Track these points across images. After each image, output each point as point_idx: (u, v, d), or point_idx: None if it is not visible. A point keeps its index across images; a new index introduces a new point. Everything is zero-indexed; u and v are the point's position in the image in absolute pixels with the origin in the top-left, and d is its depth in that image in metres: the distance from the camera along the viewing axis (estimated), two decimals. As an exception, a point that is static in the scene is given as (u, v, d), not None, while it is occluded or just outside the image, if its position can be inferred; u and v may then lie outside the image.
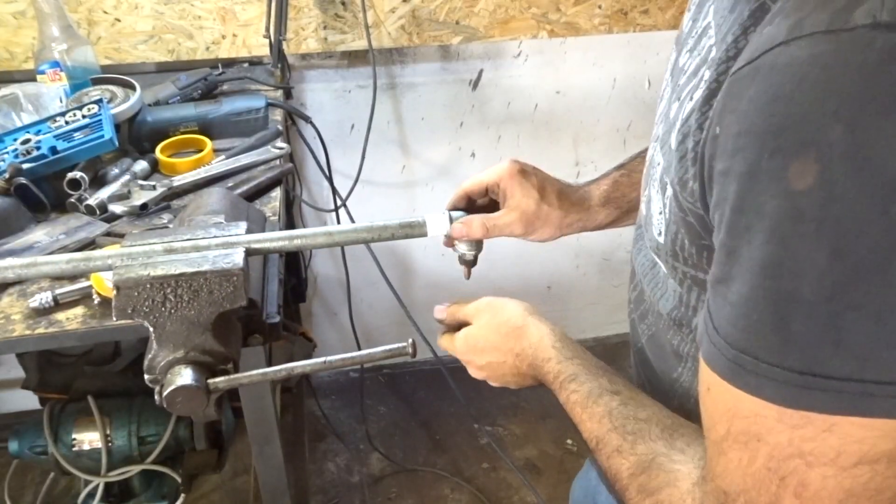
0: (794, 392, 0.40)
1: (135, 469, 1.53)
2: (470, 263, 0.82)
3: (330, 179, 1.63)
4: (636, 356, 0.74)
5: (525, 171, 0.83)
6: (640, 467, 0.55)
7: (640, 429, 0.58)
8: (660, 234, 0.57)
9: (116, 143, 1.09)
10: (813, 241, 0.38)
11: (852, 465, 0.40)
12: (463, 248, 0.80)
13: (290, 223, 1.70)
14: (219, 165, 1.16)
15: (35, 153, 1.06)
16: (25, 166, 1.04)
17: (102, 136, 1.07)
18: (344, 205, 1.65)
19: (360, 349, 1.90)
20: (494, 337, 0.74)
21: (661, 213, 0.56)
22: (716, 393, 0.45)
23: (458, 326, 0.79)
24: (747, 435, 0.43)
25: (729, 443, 0.45)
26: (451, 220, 0.76)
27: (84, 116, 1.12)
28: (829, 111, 0.37)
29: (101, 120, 1.10)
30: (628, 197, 0.86)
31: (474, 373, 0.78)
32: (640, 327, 0.70)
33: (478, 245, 0.80)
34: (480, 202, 0.86)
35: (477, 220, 0.79)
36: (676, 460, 0.54)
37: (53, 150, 1.07)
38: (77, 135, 1.09)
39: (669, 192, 0.53)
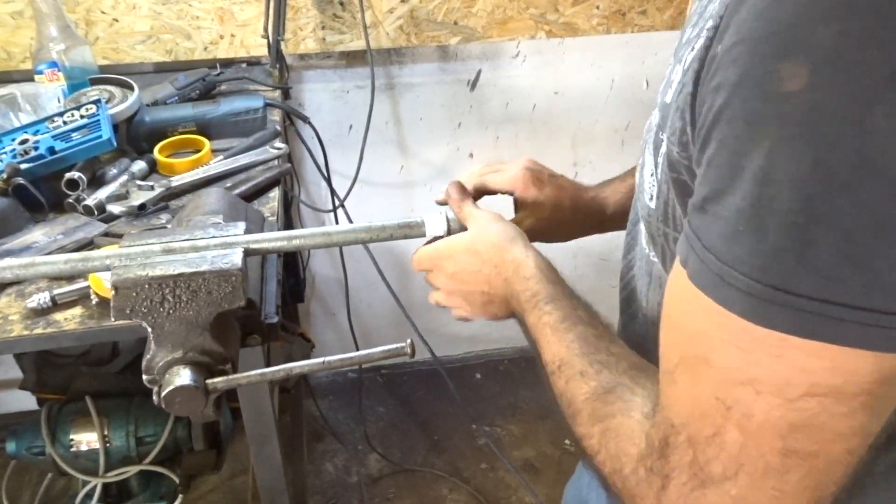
0: (754, 304, 0.39)
1: (133, 469, 1.52)
2: None
3: (328, 180, 1.63)
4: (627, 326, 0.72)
5: (540, 180, 0.82)
6: (597, 393, 0.54)
7: (609, 361, 0.56)
8: (651, 198, 0.55)
9: (115, 144, 1.09)
10: (795, 146, 0.37)
11: (798, 397, 0.39)
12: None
13: (288, 223, 1.70)
14: (217, 166, 1.16)
15: (33, 153, 1.06)
16: (23, 166, 1.04)
17: (100, 137, 1.07)
18: (342, 205, 1.65)
19: (358, 349, 1.90)
20: (480, 243, 0.70)
21: (652, 174, 0.55)
22: (676, 317, 0.45)
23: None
24: (698, 359, 0.43)
25: (680, 370, 0.44)
26: (448, 220, 0.76)
27: (82, 117, 1.12)
28: (820, 12, 0.36)
29: (99, 120, 1.10)
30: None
31: (442, 282, 0.74)
32: (633, 325, 0.69)
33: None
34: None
35: None
36: (637, 393, 0.52)
37: (51, 150, 1.07)
38: (75, 135, 1.09)
39: (663, 148, 0.51)
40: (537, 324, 0.63)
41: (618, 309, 0.77)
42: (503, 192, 0.84)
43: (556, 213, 0.82)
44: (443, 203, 0.81)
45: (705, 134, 0.42)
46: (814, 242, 0.37)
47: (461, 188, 0.79)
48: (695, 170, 0.45)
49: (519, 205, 0.83)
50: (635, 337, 0.68)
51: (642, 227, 0.61)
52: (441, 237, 0.76)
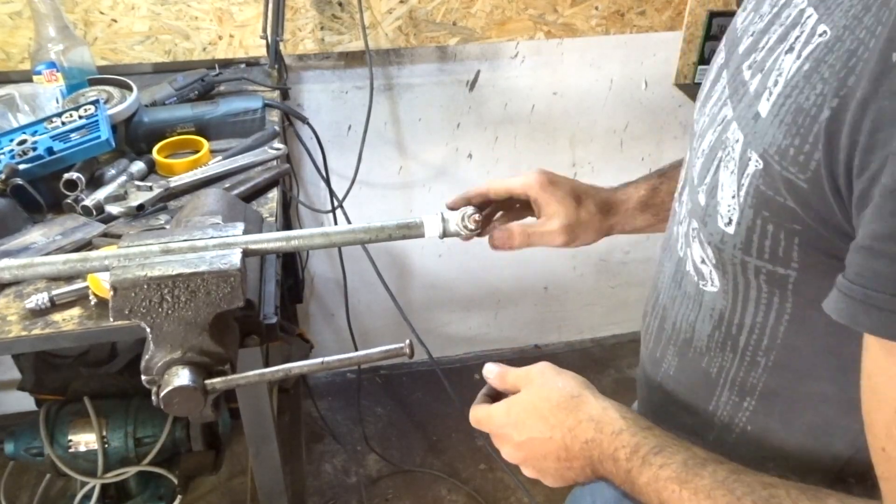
0: None
1: (131, 470, 1.52)
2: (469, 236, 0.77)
3: (327, 180, 1.63)
4: (652, 393, 0.66)
5: (556, 182, 0.80)
6: None
7: (775, 493, 0.46)
8: (729, 223, 0.49)
9: (113, 144, 1.09)
10: None
11: None
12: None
13: (287, 224, 1.70)
14: (216, 166, 1.16)
15: (31, 154, 1.06)
16: (22, 167, 1.04)
17: (99, 137, 1.07)
18: (341, 206, 1.65)
19: (357, 350, 1.90)
20: (544, 405, 0.60)
21: (733, 197, 0.48)
22: (885, 389, 0.39)
23: (497, 396, 0.68)
24: None
25: None
26: (444, 220, 0.75)
27: (80, 117, 1.11)
28: None
29: (97, 121, 1.10)
30: (667, 204, 0.79)
31: (509, 453, 0.65)
32: (663, 363, 0.63)
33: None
34: (494, 206, 0.84)
35: (517, 228, 0.77)
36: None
37: (50, 150, 1.07)
38: (73, 135, 1.09)
39: (753, 167, 0.46)
40: (654, 481, 0.52)
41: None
42: (516, 193, 0.81)
43: (581, 211, 0.79)
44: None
45: (875, 162, 0.37)
46: None
47: (497, 366, 0.69)
48: (809, 190, 0.41)
49: (540, 208, 0.80)
50: (674, 364, 0.63)
51: (699, 250, 0.55)
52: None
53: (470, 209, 0.75)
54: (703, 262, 0.55)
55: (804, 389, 0.49)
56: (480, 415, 0.67)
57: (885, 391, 0.40)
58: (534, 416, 0.61)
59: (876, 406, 0.41)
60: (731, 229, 0.49)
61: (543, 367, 0.64)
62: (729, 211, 0.49)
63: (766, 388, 0.54)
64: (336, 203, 1.67)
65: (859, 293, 0.38)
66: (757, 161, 0.45)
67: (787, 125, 0.43)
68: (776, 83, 0.45)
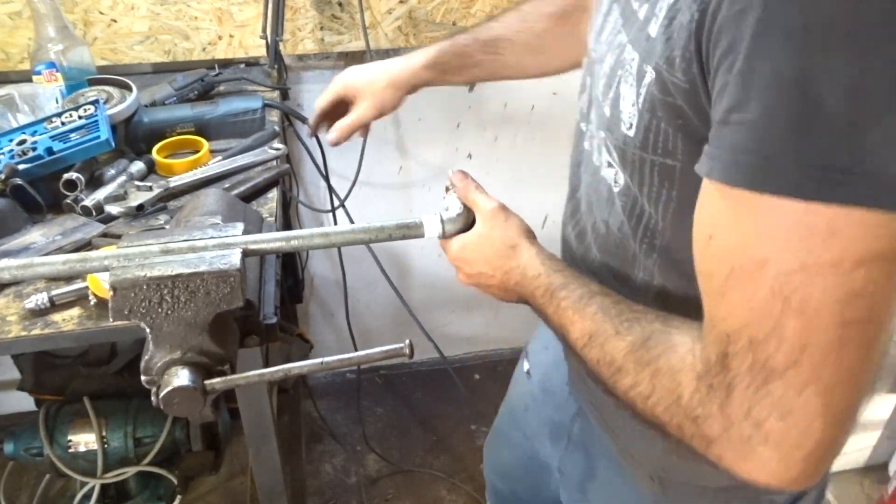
0: (807, 184, 0.42)
1: (131, 470, 1.52)
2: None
3: (327, 180, 1.63)
4: (581, 264, 0.77)
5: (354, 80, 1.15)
6: (636, 344, 0.56)
7: (635, 316, 0.58)
8: (630, 127, 0.58)
9: (113, 144, 1.09)
10: (841, 51, 0.40)
11: (851, 269, 0.43)
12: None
13: (286, 224, 1.70)
14: (215, 166, 1.16)
15: (31, 154, 1.06)
16: (21, 167, 1.04)
17: (99, 137, 1.07)
18: (342, 205, 1.65)
19: (357, 350, 1.89)
20: (488, 250, 0.74)
21: (633, 104, 0.58)
22: (720, 236, 0.48)
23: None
24: (753, 262, 0.45)
25: (732, 281, 0.47)
26: (443, 222, 0.76)
27: (80, 117, 1.11)
28: None
29: (97, 121, 1.10)
30: (455, 62, 1.05)
31: (463, 278, 0.79)
32: (587, 260, 0.75)
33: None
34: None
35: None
36: (673, 332, 0.55)
37: (49, 150, 1.07)
38: (73, 135, 1.09)
39: (649, 78, 0.55)
40: (557, 311, 0.65)
41: None
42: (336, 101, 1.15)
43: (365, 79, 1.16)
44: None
45: (731, 57, 0.45)
46: (867, 143, 0.41)
47: (464, 175, 0.80)
48: (690, 90, 0.50)
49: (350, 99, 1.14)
50: (589, 267, 0.74)
51: (606, 156, 0.66)
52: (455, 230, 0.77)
53: (449, 213, 0.76)
54: (609, 165, 0.65)
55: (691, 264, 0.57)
56: (449, 253, 0.78)
57: (702, 220, 0.50)
58: (480, 257, 0.74)
59: (710, 269, 0.50)
60: (631, 132, 0.59)
61: (496, 210, 0.75)
62: (630, 117, 0.58)
63: (664, 262, 0.65)
64: (336, 203, 1.67)
65: (712, 153, 0.47)
66: (651, 73, 0.54)
67: (672, 41, 0.51)
68: (661, 9, 0.53)
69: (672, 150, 0.56)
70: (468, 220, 0.77)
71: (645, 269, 0.67)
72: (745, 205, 0.45)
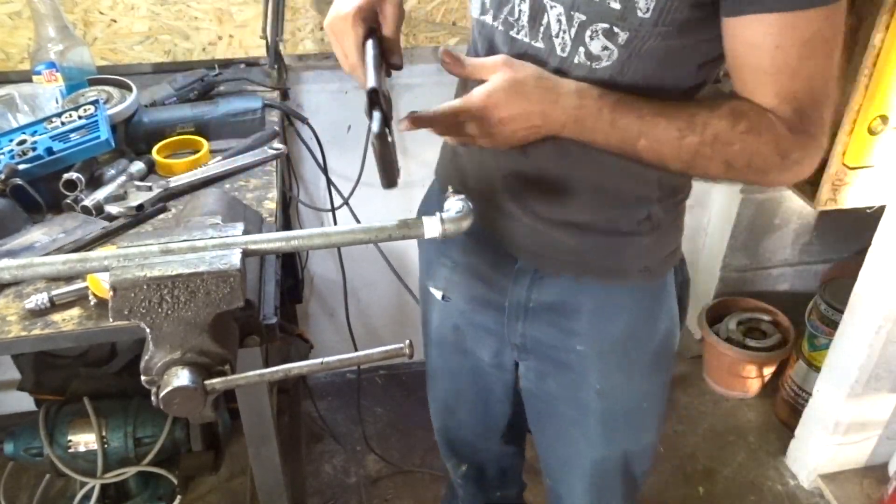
0: None
1: (131, 471, 1.52)
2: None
3: (328, 180, 1.63)
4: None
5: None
6: (732, 122, 0.75)
7: (712, 105, 0.77)
8: (646, 11, 0.71)
9: (113, 144, 1.09)
10: None
11: (839, 37, 0.72)
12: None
13: (286, 224, 1.70)
14: (215, 166, 1.16)
15: (31, 154, 1.06)
16: (21, 167, 1.04)
17: (99, 137, 1.07)
18: (346, 203, 1.65)
19: (357, 350, 1.90)
20: (524, 87, 0.75)
21: None
22: (784, 41, 0.71)
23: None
24: (811, 49, 0.71)
25: (802, 65, 0.72)
26: (443, 222, 0.75)
27: (80, 117, 1.11)
28: None
29: (97, 121, 1.10)
30: None
31: (476, 129, 0.77)
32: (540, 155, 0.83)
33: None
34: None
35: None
36: (750, 112, 0.75)
37: (49, 150, 1.07)
38: (73, 135, 1.09)
39: None
40: (637, 119, 0.76)
41: None
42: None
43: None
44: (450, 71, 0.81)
45: None
46: None
47: (451, 53, 0.80)
48: None
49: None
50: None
51: (598, 45, 0.76)
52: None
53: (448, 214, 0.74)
54: (604, 49, 0.75)
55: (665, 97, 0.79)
56: (455, 104, 0.76)
57: (760, 39, 0.71)
58: (516, 96, 0.75)
59: (769, 49, 0.72)
60: (647, 15, 0.71)
61: (506, 59, 0.77)
62: (647, 3, 0.71)
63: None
64: (336, 203, 1.67)
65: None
66: None
67: None
68: None
69: (681, 19, 0.72)
70: (469, 219, 0.76)
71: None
72: (796, 19, 0.69)
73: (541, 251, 0.94)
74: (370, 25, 0.83)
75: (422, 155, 1.84)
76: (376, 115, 0.70)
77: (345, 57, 0.83)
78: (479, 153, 0.93)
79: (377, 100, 0.72)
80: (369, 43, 0.81)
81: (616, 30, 0.74)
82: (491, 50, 0.85)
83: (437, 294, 1.12)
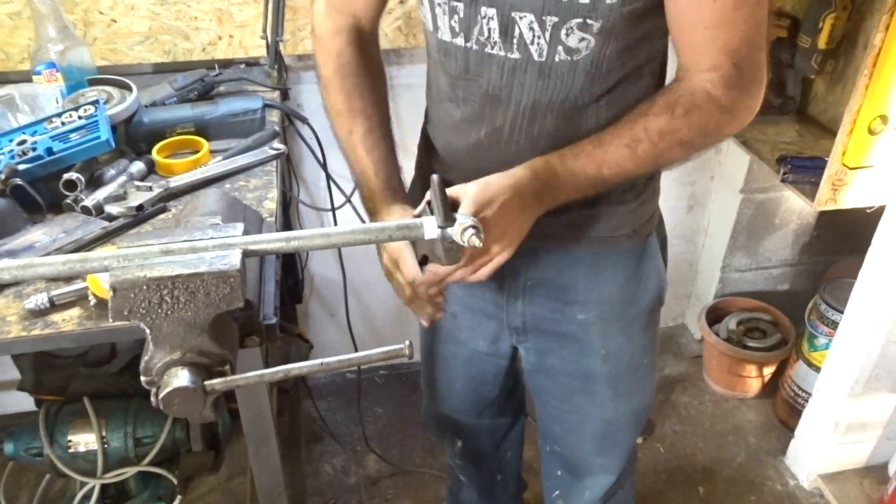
0: None
1: (131, 471, 1.52)
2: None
3: (328, 178, 1.63)
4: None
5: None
6: (668, 114, 0.81)
7: (645, 109, 0.83)
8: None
9: (113, 144, 1.09)
10: None
11: None
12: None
13: (286, 224, 1.70)
14: (215, 166, 1.16)
15: (31, 154, 1.06)
16: (21, 167, 1.04)
17: (99, 137, 1.07)
18: (349, 201, 1.65)
19: (357, 350, 1.89)
20: (518, 213, 0.81)
21: None
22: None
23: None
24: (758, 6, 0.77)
25: (737, 17, 0.77)
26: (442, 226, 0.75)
27: (80, 117, 1.11)
28: None
29: (97, 121, 1.10)
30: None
31: (491, 248, 0.82)
32: (539, 139, 0.88)
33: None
34: None
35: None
36: (681, 92, 0.82)
37: (49, 150, 1.07)
38: (73, 136, 1.09)
39: None
40: (589, 161, 0.82)
41: None
42: None
43: None
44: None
45: None
46: None
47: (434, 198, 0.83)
48: None
49: None
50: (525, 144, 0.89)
51: (575, 39, 0.80)
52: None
53: (468, 220, 0.73)
54: (581, 40, 0.80)
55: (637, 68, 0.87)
56: (460, 265, 0.82)
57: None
58: (516, 220, 0.82)
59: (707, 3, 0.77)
60: (614, 0, 0.76)
61: (479, 186, 0.80)
62: None
63: (611, 93, 0.87)
64: (336, 203, 1.67)
65: None
66: None
67: None
68: None
69: None
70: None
71: (593, 111, 0.87)
72: None
73: (534, 230, 0.95)
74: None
75: (422, 155, 1.84)
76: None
77: (405, 284, 0.90)
78: (462, 151, 0.97)
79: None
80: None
81: (590, 21, 0.78)
82: (466, 70, 0.88)
83: None
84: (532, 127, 0.89)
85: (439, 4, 0.85)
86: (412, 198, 1.19)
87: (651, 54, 0.88)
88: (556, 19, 0.79)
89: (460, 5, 0.83)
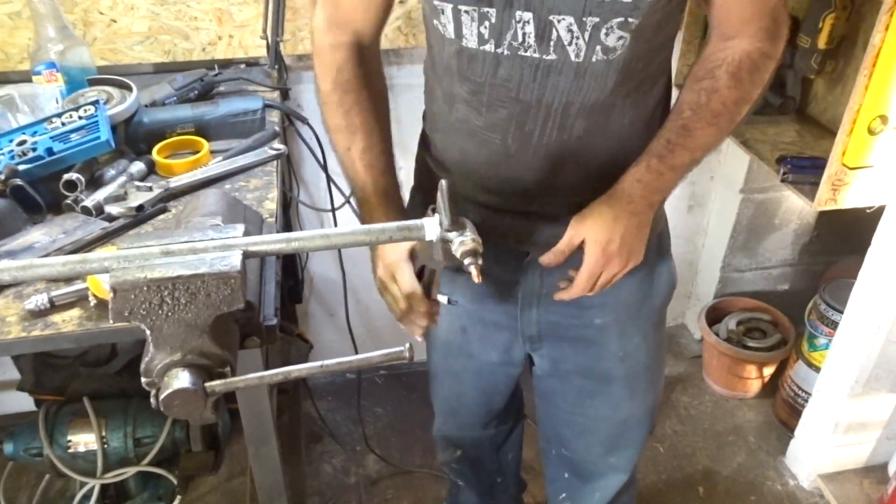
0: None
1: (131, 471, 1.52)
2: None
3: (328, 179, 1.63)
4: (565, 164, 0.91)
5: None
6: (731, 83, 0.86)
7: (712, 82, 0.87)
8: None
9: (113, 145, 1.09)
10: None
11: None
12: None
13: (287, 224, 1.69)
14: (216, 167, 1.16)
15: (31, 154, 1.06)
16: (21, 167, 1.04)
17: (99, 138, 1.07)
18: (348, 201, 1.65)
19: (356, 350, 1.90)
20: (620, 236, 0.87)
21: None
22: None
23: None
24: None
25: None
26: (441, 224, 0.74)
27: (80, 118, 1.11)
28: None
29: (97, 121, 1.10)
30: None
31: (615, 263, 0.89)
32: (570, 140, 0.89)
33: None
34: None
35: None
36: (731, 59, 0.87)
37: (50, 151, 1.07)
38: (73, 136, 1.09)
39: None
40: (674, 165, 0.87)
41: None
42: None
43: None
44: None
45: None
46: None
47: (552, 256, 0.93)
48: None
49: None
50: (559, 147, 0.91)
51: (613, 39, 0.81)
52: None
53: (469, 237, 0.71)
54: (619, 39, 0.81)
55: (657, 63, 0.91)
56: (584, 277, 0.90)
57: None
58: (636, 238, 0.89)
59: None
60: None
61: (575, 227, 0.88)
62: None
63: (638, 85, 0.89)
64: (336, 203, 1.67)
65: None
66: None
67: None
68: None
69: None
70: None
71: (619, 110, 0.89)
72: None
73: (551, 241, 0.96)
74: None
75: (422, 155, 1.84)
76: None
77: (401, 297, 0.92)
78: (481, 159, 0.97)
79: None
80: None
81: (630, 20, 0.79)
82: (495, 76, 0.87)
83: (443, 299, 1.12)
84: (563, 130, 0.89)
85: (466, 12, 0.83)
86: (411, 212, 1.20)
87: (667, 53, 0.92)
88: (596, 20, 0.79)
89: (492, 11, 0.81)
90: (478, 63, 0.87)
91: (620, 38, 0.81)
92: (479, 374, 1.21)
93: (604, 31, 0.80)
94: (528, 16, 0.80)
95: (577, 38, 0.81)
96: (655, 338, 1.11)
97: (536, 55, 0.83)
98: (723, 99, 0.86)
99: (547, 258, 0.91)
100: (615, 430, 1.17)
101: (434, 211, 0.73)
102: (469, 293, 1.09)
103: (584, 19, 0.79)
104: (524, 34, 0.82)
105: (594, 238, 0.87)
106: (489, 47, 0.85)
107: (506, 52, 0.84)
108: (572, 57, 0.82)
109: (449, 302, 1.11)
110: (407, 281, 0.89)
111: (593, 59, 0.83)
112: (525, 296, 1.05)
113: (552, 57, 0.83)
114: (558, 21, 0.79)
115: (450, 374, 1.25)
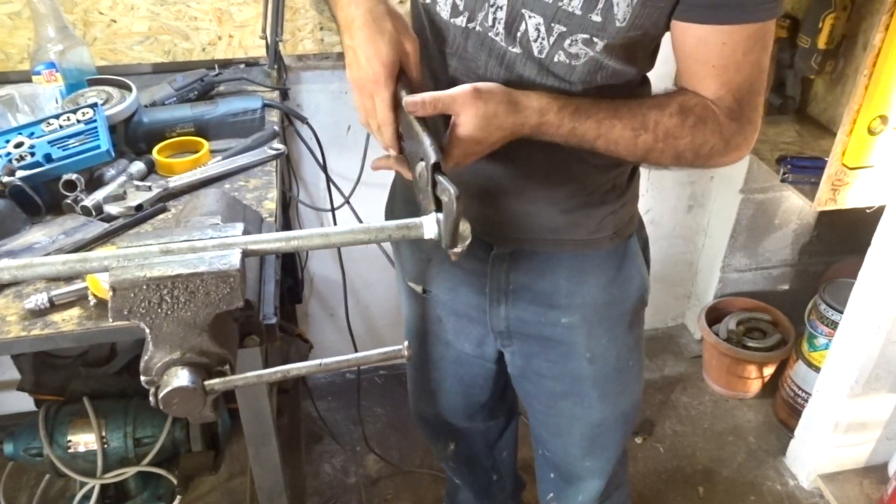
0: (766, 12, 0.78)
1: (130, 471, 1.52)
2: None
3: (328, 179, 1.63)
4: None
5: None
6: (680, 118, 0.83)
7: (660, 102, 0.85)
8: (622, 21, 0.77)
9: (113, 154, 1.09)
10: None
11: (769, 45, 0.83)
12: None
13: (286, 224, 1.70)
14: (215, 166, 1.16)
15: (30, 159, 1.06)
16: (20, 174, 1.04)
17: (99, 147, 1.07)
18: (347, 202, 1.65)
19: (356, 350, 1.89)
20: (496, 120, 0.78)
21: (628, 6, 0.76)
22: (731, 41, 0.79)
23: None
24: (763, 53, 0.82)
25: (746, 59, 0.80)
26: (439, 223, 0.75)
27: (79, 121, 1.11)
28: None
29: (96, 128, 1.09)
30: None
31: (461, 155, 0.80)
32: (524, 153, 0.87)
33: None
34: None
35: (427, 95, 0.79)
36: (694, 106, 0.83)
37: (48, 157, 1.06)
38: (72, 142, 1.08)
39: None
40: (594, 124, 0.82)
41: None
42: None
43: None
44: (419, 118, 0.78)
45: None
46: None
47: (414, 100, 0.78)
48: None
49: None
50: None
51: (576, 48, 0.81)
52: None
53: (453, 192, 0.70)
54: (583, 51, 0.81)
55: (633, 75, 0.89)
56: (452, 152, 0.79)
57: (713, 37, 0.79)
58: (489, 127, 0.79)
59: (717, 45, 0.80)
60: (623, 24, 0.78)
61: (474, 89, 0.78)
62: (623, 14, 0.77)
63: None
64: (336, 203, 1.67)
65: (715, 8, 0.77)
66: None
67: None
68: None
69: (655, 25, 0.79)
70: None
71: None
72: (745, 30, 0.78)
73: (516, 234, 0.97)
74: (397, 78, 0.81)
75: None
76: (447, 184, 0.70)
77: (374, 114, 0.82)
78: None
79: (442, 169, 0.73)
80: (405, 100, 0.78)
81: (595, 39, 0.80)
82: (461, 51, 0.87)
83: (418, 289, 1.15)
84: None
85: None
86: (390, 208, 1.21)
87: (641, 69, 0.91)
88: (563, 29, 0.80)
89: None
90: (448, 33, 0.87)
91: (584, 51, 0.81)
92: (457, 362, 1.23)
93: (568, 41, 0.81)
94: (502, 1, 0.80)
95: (544, 38, 0.81)
96: (627, 341, 1.10)
97: (503, 44, 0.83)
98: (658, 119, 0.82)
99: (413, 102, 0.77)
100: (589, 431, 1.17)
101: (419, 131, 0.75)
102: (442, 285, 1.11)
103: (552, 24, 0.80)
104: (495, 19, 0.82)
105: (472, 128, 0.78)
106: (461, 21, 0.84)
107: (477, 29, 0.84)
108: (535, 52, 0.83)
109: (424, 292, 1.12)
110: (383, 110, 0.81)
111: (555, 59, 0.83)
112: (492, 290, 1.05)
113: (517, 50, 0.83)
114: (529, 17, 0.80)
115: (429, 360, 1.26)
